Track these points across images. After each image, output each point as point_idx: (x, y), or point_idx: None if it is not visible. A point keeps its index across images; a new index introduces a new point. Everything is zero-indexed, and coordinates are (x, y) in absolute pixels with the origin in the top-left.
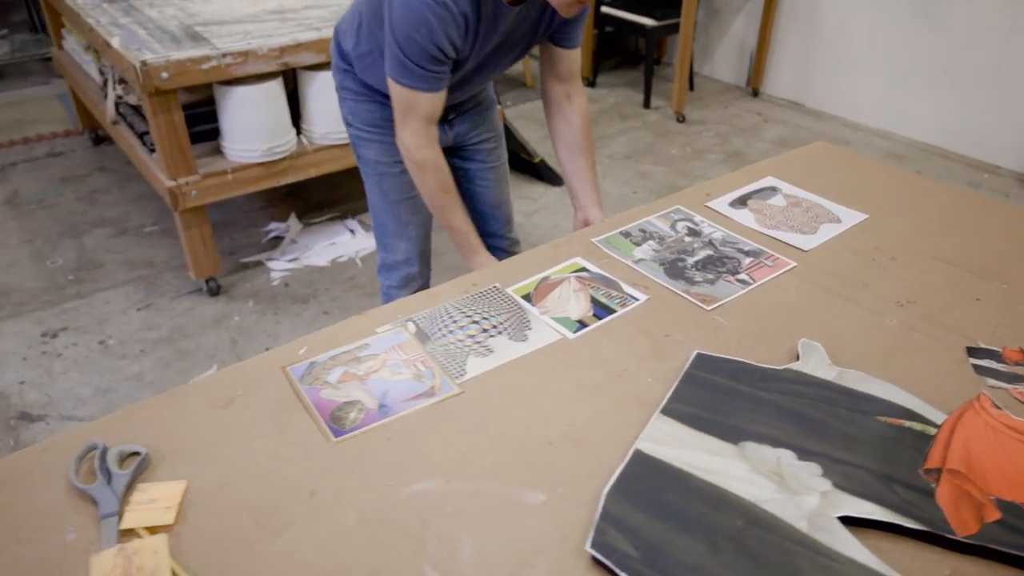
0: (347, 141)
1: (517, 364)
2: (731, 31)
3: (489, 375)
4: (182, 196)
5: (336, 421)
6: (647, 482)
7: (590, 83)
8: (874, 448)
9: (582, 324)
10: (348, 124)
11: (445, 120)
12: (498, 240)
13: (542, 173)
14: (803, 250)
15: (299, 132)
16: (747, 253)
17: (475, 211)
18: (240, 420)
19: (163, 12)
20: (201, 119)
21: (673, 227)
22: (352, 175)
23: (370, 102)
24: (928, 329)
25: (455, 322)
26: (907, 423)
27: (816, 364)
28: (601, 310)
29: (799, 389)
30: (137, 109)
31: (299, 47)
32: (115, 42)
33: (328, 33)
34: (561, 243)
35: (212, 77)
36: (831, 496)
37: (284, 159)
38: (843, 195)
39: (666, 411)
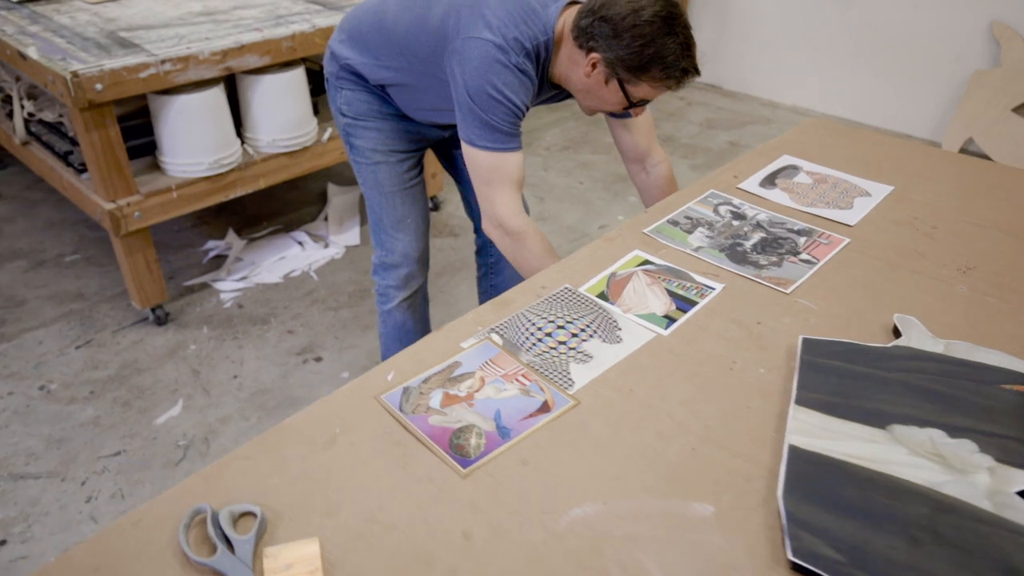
0: (295, 148)
1: (622, 367)
2: None
3: (598, 382)
4: (124, 219)
5: (458, 450)
6: (818, 479)
7: None
8: (1014, 417)
9: (669, 319)
10: (341, 114)
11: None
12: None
13: None
14: (848, 225)
15: (242, 142)
16: (799, 232)
17: (473, 205)
18: (350, 460)
19: (76, 19)
20: (131, 133)
21: (716, 211)
22: (290, 185)
23: (368, 92)
24: (1000, 293)
25: (540, 329)
26: None
27: (920, 338)
28: (682, 302)
29: (918, 365)
30: (55, 127)
31: (243, 50)
32: (32, 52)
33: (272, 34)
34: (614, 236)
35: (151, 86)
36: (998, 472)
37: (231, 171)
38: (861, 168)
39: (801, 401)
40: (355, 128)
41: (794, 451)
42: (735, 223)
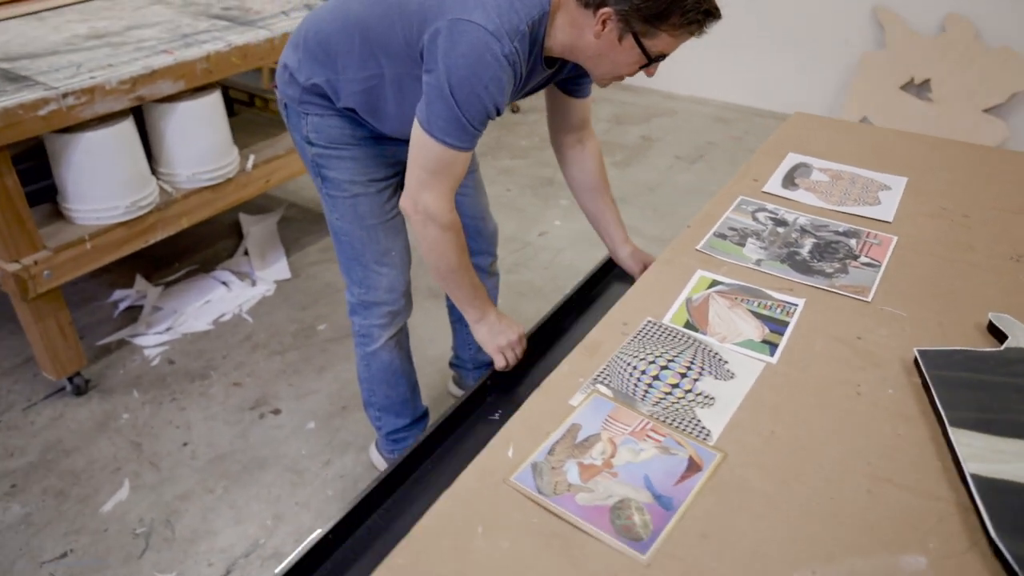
0: (218, 180)
1: (749, 406)
2: None
3: (733, 427)
4: (31, 280)
5: (625, 532)
6: (1021, 511)
7: None
8: None
9: (769, 344)
10: (309, 144)
11: None
12: (483, 259)
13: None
14: (887, 222)
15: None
16: (846, 235)
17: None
18: (509, 564)
19: None
20: (21, 179)
21: (755, 219)
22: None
23: (338, 116)
24: None
25: (644, 372)
26: None
27: None
28: (772, 324)
29: None
30: None
31: (154, 76)
32: None
33: (184, 56)
34: (669, 257)
35: (53, 124)
36: None
37: (150, 213)
38: (869, 161)
39: (955, 423)
40: (327, 159)
41: (981, 482)
42: (780, 230)
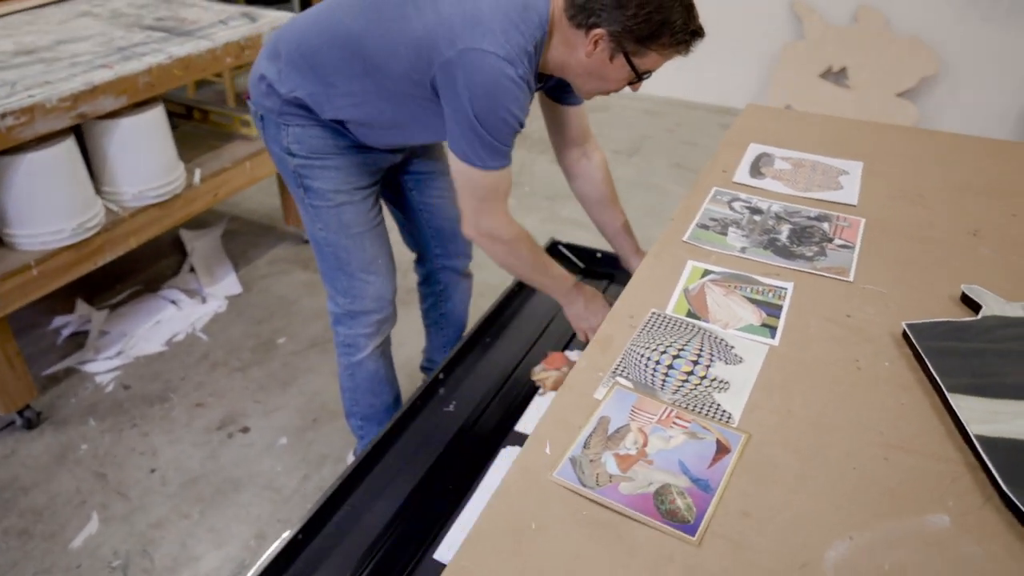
0: (166, 197)
1: (762, 387)
2: None
3: (752, 409)
4: None
5: (672, 516)
6: None
7: None
8: None
9: (768, 327)
10: (290, 155)
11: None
12: (460, 261)
13: None
14: (852, 205)
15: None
16: (817, 219)
17: (434, 228)
18: (567, 556)
19: None
20: None
21: (732, 208)
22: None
23: (320, 127)
24: (1015, 250)
25: (659, 363)
26: None
27: (999, 305)
28: (768, 308)
29: (1018, 332)
30: None
31: (96, 92)
32: None
33: (125, 70)
34: (658, 250)
35: None
36: None
37: (97, 235)
38: (824, 147)
39: (952, 388)
40: (310, 168)
41: (986, 442)
42: (756, 218)
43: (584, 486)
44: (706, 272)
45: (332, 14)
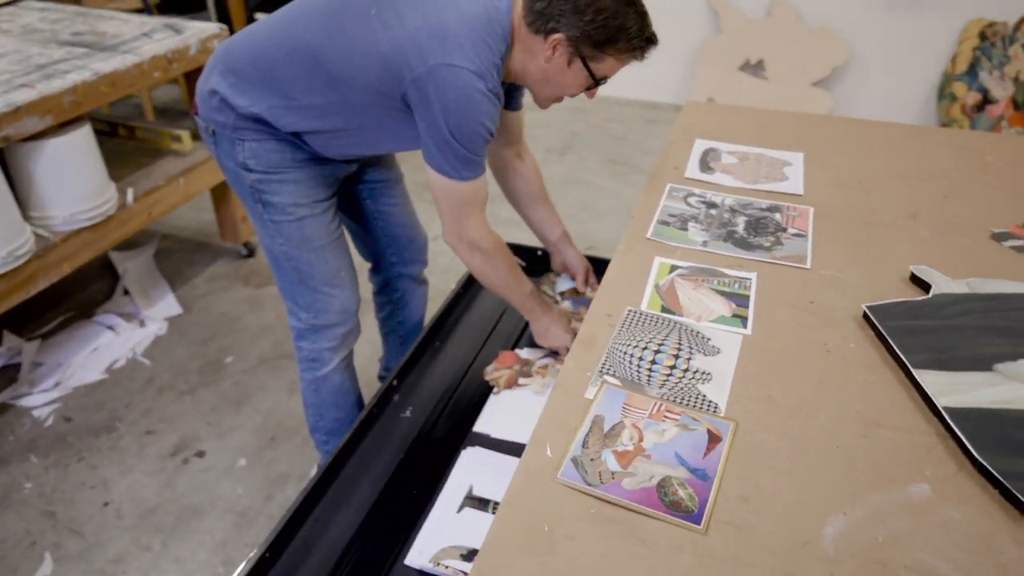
0: (99, 219)
1: (741, 376)
2: None
3: (736, 397)
4: None
5: (676, 507)
6: (996, 434)
7: None
8: None
9: (740, 318)
10: (247, 170)
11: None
12: (416, 267)
13: None
14: (799, 195)
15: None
16: (769, 210)
17: (389, 236)
18: (589, 556)
19: None
20: None
21: (688, 203)
22: None
23: (277, 140)
24: (951, 230)
25: (641, 359)
26: None
27: (947, 283)
28: (736, 299)
29: (967, 307)
30: None
31: (19, 112)
32: None
33: (48, 89)
34: (625, 248)
35: None
36: None
37: (29, 262)
38: (766, 140)
39: (916, 364)
40: (268, 183)
41: (953, 412)
42: (712, 212)
43: (589, 484)
44: (673, 268)
45: (289, 27)
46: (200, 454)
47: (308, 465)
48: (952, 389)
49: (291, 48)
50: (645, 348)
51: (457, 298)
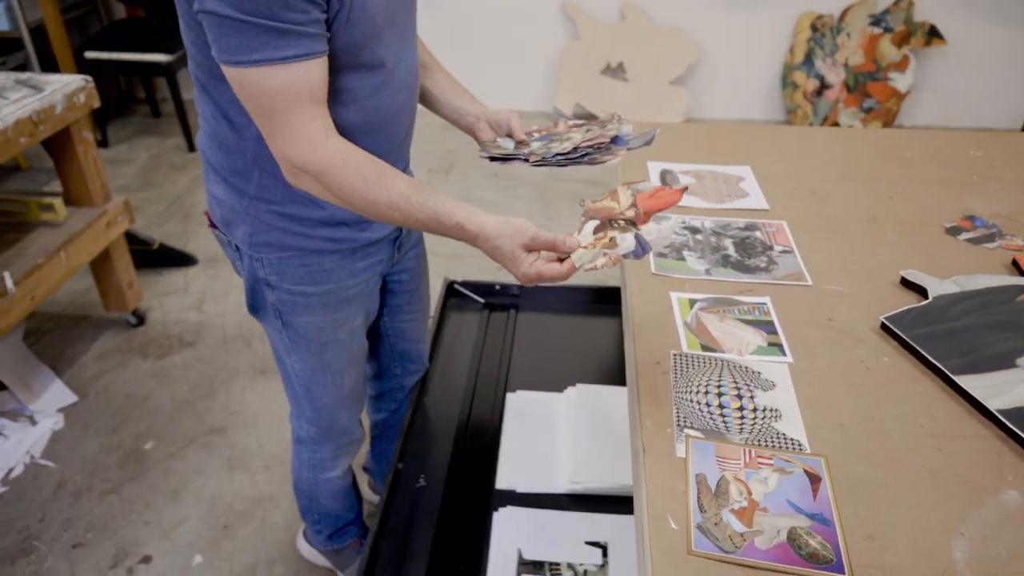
0: None
1: (806, 408)
2: None
3: (811, 431)
4: None
5: (814, 559)
6: None
7: (104, 144)
8: None
9: (775, 345)
10: (269, 287)
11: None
12: (417, 375)
13: (169, 257)
14: (766, 209)
15: None
16: (749, 228)
17: (399, 352)
18: None
19: None
20: None
21: (673, 232)
22: None
23: (301, 242)
24: (914, 231)
25: (709, 405)
26: None
27: (939, 285)
28: (763, 326)
29: (967, 306)
30: None
31: None
32: None
33: None
34: (638, 288)
35: None
36: None
37: None
38: (713, 156)
39: (954, 371)
40: (294, 305)
41: (1008, 414)
42: (699, 237)
43: (725, 552)
44: (692, 302)
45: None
46: (146, 559)
47: (274, 549)
48: (998, 391)
49: (200, 92)
50: (707, 392)
51: (434, 340)
